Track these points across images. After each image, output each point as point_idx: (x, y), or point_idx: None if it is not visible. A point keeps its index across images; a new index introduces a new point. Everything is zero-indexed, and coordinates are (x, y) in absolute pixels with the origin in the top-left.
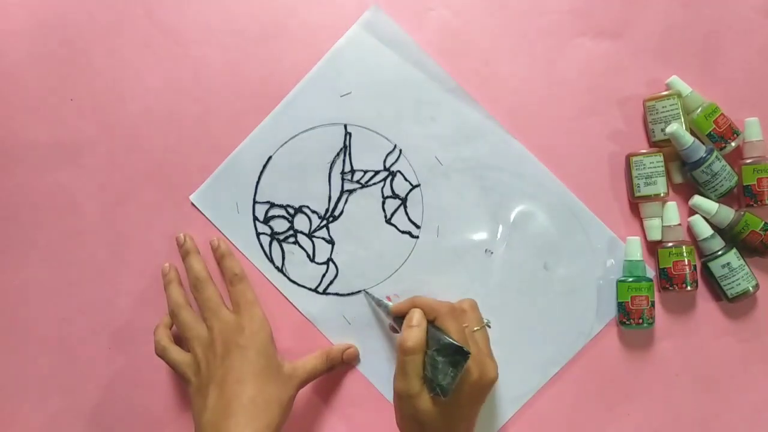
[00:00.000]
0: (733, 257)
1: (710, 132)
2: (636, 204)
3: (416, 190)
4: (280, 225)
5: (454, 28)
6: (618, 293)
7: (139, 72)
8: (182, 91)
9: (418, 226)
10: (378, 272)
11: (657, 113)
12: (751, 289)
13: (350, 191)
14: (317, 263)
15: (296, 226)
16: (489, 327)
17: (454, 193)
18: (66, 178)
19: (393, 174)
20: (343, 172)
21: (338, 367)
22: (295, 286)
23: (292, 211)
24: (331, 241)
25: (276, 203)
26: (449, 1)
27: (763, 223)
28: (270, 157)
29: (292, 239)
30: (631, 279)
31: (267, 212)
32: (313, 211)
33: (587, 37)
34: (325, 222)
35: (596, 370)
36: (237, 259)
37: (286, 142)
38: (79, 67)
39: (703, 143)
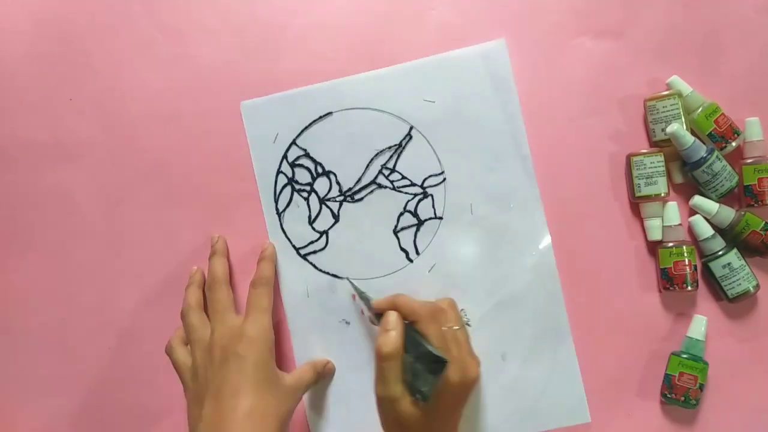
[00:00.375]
0: (733, 257)
1: (711, 132)
2: (636, 204)
3: (435, 221)
4: (302, 176)
5: (454, 28)
6: (668, 365)
7: (139, 72)
8: (182, 91)
9: (417, 253)
10: (359, 269)
11: (657, 113)
12: (751, 289)
13: (380, 186)
14: (313, 229)
15: (316, 185)
16: (469, 325)
17: (467, 246)
18: (66, 178)
19: (426, 195)
20: (384, 166)
21: (320, 381)
22: (283, 236)
23: (320, 170)
24: (336, 217)
25: (310, 155)
26: (449, 1)
27: (764, 223)
28: (330, 113)
29: (305, 194)
30: (685, 356)
31: (298, 158)
32: (338, 182)
33: (587, 37)
34: (342, 197)
35: (597, 371)
36: (273, 266)
37: (352, 109)
38: (78, 67)
39: (704, 143)
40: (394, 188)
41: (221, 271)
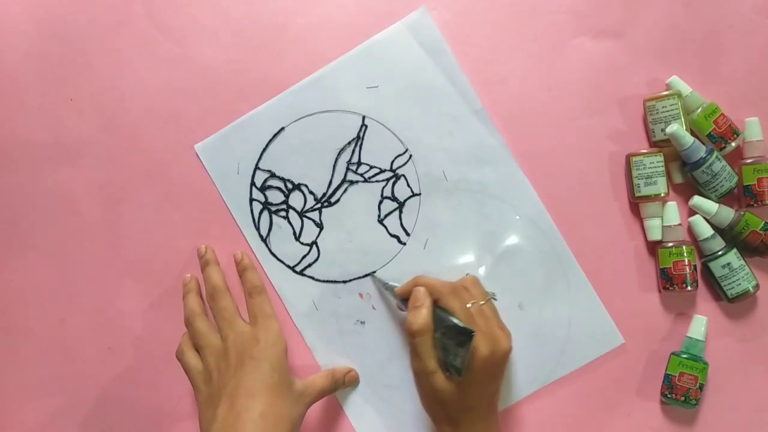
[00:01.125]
0: (733, 257)
1: (710, 132)
2: (636, 204)
3: (415, 198)
4: (275, 196)
5: (454, 28)
6: (669, 365)
7: (139, 72)
8: (182, 91)
9: (408, 234)
10: (357, 267)
11: (657, 113)
12: (751, 289)
13: (351, 182)
14: (301, 243)
15: (291, 201)
16: (495, 300)
17: (452, 212)
18: (66, 178)
19: (398, 177)
20: (349, 162)
21: (341, 389)
22: (275, 259)
23: (290, 185)
24: (320, 226)
25: (277, 174)
26: (449, 1)
27: (764, 223)
28: (283, 128)
29: (283, 213)
30: (685, 356)
31: (266, 181)
32: (311, 192)
33: (587, 37)
34: (319, 205)
35: (596, 371)
36: (258, 273)
37: (302, 118)
38: (78, 67)
39: (703, 143)
40: (365, 180)
41: (219, 279)
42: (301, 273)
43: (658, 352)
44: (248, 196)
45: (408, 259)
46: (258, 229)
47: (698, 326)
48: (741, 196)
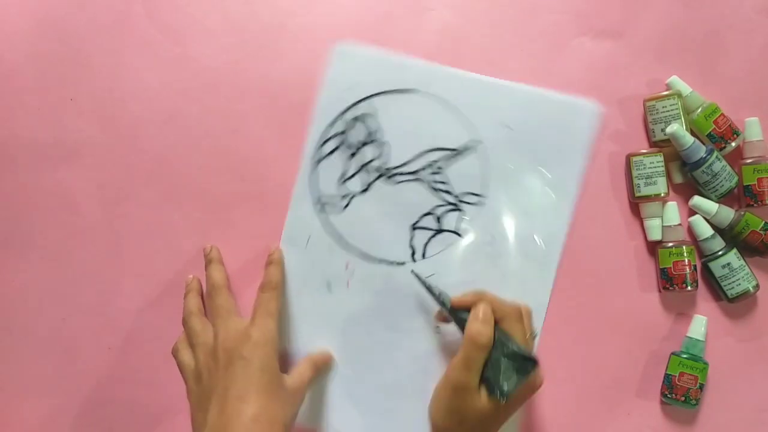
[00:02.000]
0: (733, 257)
1: (710, 132)
2: (636, 204)
3: (454, 236)
4: (357, 133)
5: (454, 28)
6: (669, 365)
7: (139, 72)
8: (182, 91)
9: (424, 256)
10: (364, 245)
11: (657, 113)
12: (751, 289)
13: (420, 179)
14: (340, 189)
15: (364, 149)
16: (535, 336)
17: (470, 271)
18: (66, 178)
19: (457, 209)
20: (434, 162)
21: (322, 375)
22: (308, 182)
23: (377, 136)
24: (366, 188)
25: (377, 118)
26: (449, 1)
27: (764, 222)
28: (416, 91)
29: (351, 151)
30: (685, 356)
31: (363, 116)
32: (382, 158)
33: (587, 37)
34: (380, 173)
35: (596, 371)
36: (281, 270)
37: (437, 97)
38: (79, 67)
39: (703, 143)
40: (432, 188)
41: (219, 277)
42: (321, 208)
43: (658, 352)
44: (339, 112)
45: (406, 276)
46: (322, 146)
47: (698, 326)
48: (741, 196)
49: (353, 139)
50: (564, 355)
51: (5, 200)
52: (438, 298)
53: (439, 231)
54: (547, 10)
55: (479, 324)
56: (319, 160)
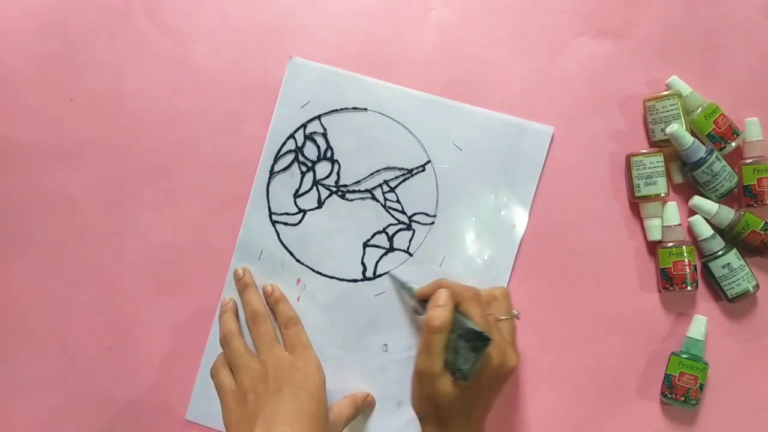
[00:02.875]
0: (733, 257)
1: (710, 132)
2: (636, 204)
3: (405, 255)
4: (310, 151)
5: (454, 27)
6: (669, 365)
7: (139, 72)
8: (182, 91)
9: (374, 275)
10: (315, 260)
11: (657, 113)
12: (751, 289)
13: (373, 197)
14: (295, 203)
15: (317, 166)
16: (518, 319)
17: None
18: (66, 178)
19: (408, 228)
20: (386, 182)
21: (360, 414)
22: (264, 196)
23: (329, 154)
24: (320, 204)
25: (327, 136)
26: (449, 1)
27: (764, 222)
28: (366, 110)
29: (304, 168)
30: (685, 356)
31: (314, 133)
32: (338, 174)
33: (587, 37)
34: (335, 189)
35: (597, 371)
36: (290, 305)
37: (388, 117)
38: (79, 67)
39: (703, 143)
40: (384, 206)
41: (260, 303)
42: (273, 222)
43: (658, 352)
44: (292, 130)
45: (355, 292)
46: (276, 160)
47: (698, 326)
48: (741, 196)
49: (306, 155)
50: (564, 355)
51: (5, 200)
52: (409, 291)
53: (391, 249)
54: (547, 10)
55: (432, 309)
56: (273, 174)
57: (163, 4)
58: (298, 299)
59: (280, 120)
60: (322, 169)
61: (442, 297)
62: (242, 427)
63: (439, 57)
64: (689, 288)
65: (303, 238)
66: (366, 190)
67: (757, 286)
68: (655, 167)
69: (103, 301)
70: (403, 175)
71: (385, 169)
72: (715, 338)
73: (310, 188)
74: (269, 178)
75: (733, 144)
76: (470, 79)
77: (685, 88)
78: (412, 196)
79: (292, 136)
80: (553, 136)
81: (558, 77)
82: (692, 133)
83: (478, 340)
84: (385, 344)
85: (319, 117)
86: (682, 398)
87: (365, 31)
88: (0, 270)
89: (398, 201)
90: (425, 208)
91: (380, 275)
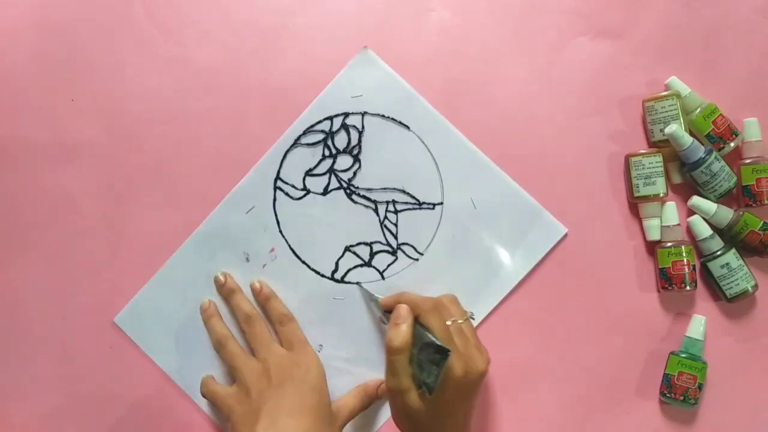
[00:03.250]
0: (732, 257)
1: (709, 132)
2: (635, 204)
3: (377, 275)
4: (340, 140)
5: (454, 28)
6: (667, 364)
7: (139, 72)
8: (182, 91)
9: (342, 280)
10: (295, 242)
11: (656, 114)
12: (750, 289)
13: (375, 211)
14: (303, 180)
15: (339, 157)
16: (473, 319)
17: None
18: (66, 178)
19: (393, 253)
20: (395, 202)
21: (375, 402)
22: (278, 159)
23: (356, 151)
24: (325, 192)
25: (362, 135)
26: (449, 2)
27: (762, 222)
28: (409, 128)
29: (327, 152)
30: (684, 355)
31: (353, 126)
32: (355, 173)
33: (587, 37)
34: (345, 185)
35: (596, 370)
36: (281, 301)
37: (418, 138)
38: (79, 67)
39: (702, 144)
40: (381, 223)
41: (250, 306)
42: (275, 187)
43: (657, 352)
44: (337, 113)
45: (319, 289)
46: (306, 133)
47: (697, 326)
48: (740, 196)
49: (335, 142)
50: (564, 355)
51: (5, 200)
52: (376, 302)
53: (368, 265)
54: (547, 10)
55: (392, 328)
56: (296, 144)
57: (163, 4)
58: (264, 266)
59: (327, 98)
60: (343, 161)
61: (402, 313)
62: (246, 420)
63: (439, 57)
64: (688, 288)
65: (295, 214)
66: (372, 200)
67: (755, 286)
68: (654, 167)
69: (103, 300)
70: (413, 204)
71: (399, 190)
72: (713, 338)
73: (323, 174)
74: (292, 145)
75: (732, 144)
76: (470, 79)
77: (684, 88)
78: (411, 226)
79: (331, 118)
80: (565, 235)
81: (558, 77)
82: (691, 134)
83: (438, 353)
84: (321, 345)
85: (363, 113)
86: (681, 398)
87: (365, 32)
88: (0, 270)
89: (396, 224)
90: (417, 242)
91: (347, 282)
